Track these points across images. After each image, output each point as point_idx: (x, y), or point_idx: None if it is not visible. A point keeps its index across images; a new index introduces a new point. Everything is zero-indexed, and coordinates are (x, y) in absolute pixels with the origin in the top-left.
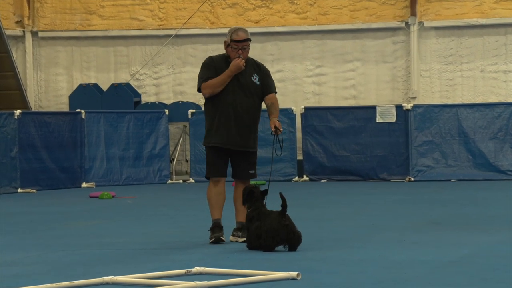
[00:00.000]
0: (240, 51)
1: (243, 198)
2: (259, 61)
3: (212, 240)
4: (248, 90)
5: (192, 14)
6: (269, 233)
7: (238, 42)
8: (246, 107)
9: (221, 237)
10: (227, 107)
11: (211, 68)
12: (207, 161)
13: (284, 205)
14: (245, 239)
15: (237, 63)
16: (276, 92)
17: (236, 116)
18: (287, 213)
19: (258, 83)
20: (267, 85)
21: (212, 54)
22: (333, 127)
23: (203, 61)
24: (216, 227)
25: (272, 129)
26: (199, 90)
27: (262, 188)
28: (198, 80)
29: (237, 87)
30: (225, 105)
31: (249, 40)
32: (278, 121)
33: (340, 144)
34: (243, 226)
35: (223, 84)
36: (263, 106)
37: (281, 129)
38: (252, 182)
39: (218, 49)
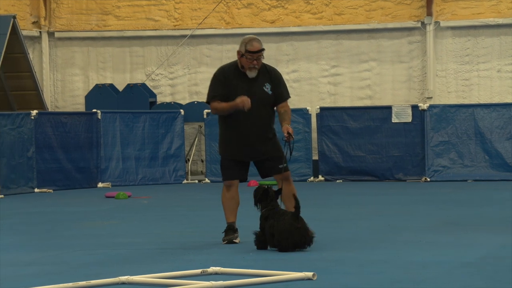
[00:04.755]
0: (255, 62)
1: (256, 198)
2: (270, 65)
3: (225, 242)
4: (260, 101)
5: (208, 15)
6: (282, 234)
7: (252, 53)
8: (258, 118)
9: (234, 240)
10: (237, 119)
11: (221, 83)
12: (221, 166)
13: (297, 207)
14: None
15: (244, 104)
16: (289, 98)
17: (248, 129)
18: (300, 215)
19: (270, 92)
20: (279, 94)
21: (227, 55)
22: (349, 127)
23: (218, 61)
24: (230, 230)
25: (285, 135)
26: (208, 103)
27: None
28: (208, 93)
29: (249, 98)
30: (235, 117)
31: (264, 49)
32: (291, 127)
33: (355, 144)
34: None
35: (228, 112)
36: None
37: (293, 137)
38: (263, 182)
39: (233, 49)
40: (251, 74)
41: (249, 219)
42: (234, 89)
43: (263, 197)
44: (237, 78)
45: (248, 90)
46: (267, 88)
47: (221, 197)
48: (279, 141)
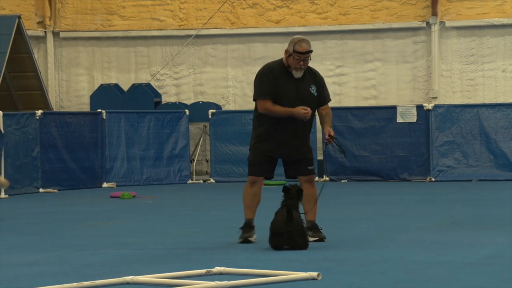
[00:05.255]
0: (302, 62)
1: (284, 194)
2: (313, 68)
3: (240, 240)
4: (307, 102)
5: (213, 15)
6: (273, 232)
7: (300, 53)
8: (303, 122)
9: (249, 238)
10: (283, 121)
11: (269, 81)
12: (249, 161)
13: (290, 209)
14: (317, 238)
15: (303, 115)
16: (330, 100)
17: (291, 131)
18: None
19: (316, 94)
20: (323, 97)
21: (232, 55)
22: (354, 127)
23: (223, 61)
24: (247, 227)
25: (326, 137)
26: (254, 100)
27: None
28: (256, 90)
29: (295, 99)
30: (281, 118)
31: (311, 51)
32: (332, 130)
33: (360, 144)
34: (313, 225)
35: (282, 116)
36: None
37: (334, 139)
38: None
39: (239, 49)
40: (297, 74)
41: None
42: (282, 88)
43: (284, 194)
44: (284, 77)
45: (296, 91)
46: (313, 89)
47: (243, 192)
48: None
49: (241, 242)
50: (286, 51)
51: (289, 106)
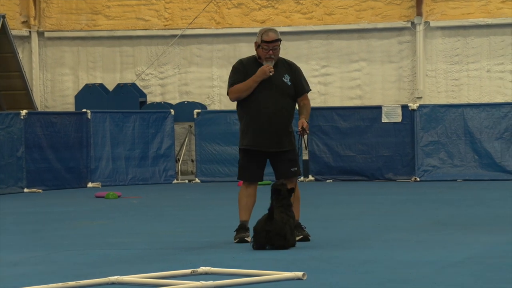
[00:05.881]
0: (271, 52)
1: (271, 195)
2: (290, 60)
3: (236, 240)
4: (279, 91)
5: (198, 14)
6: (254, 233)
7: (268, 42)
8: (277, 109)
9: (246, 238)
10: (257, 109)
11: (240, 72)
12: (239, 164)
13: (271, 209)
14: (301, 236)
15: (264, 69)
16: (309, 90)
17: (267, 118)
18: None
19: (289, 83)
20: (299, 85)
21: (217, 55)
22: (339, 127)
23: (208, 61)
24: (242, 229)
25: (299, 129)
26: (228, 94)
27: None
28: (228, 84)
29: (267, 88)
30: (255, 107)
31: (280, 40)
32: (307, 122)
33: (345, 144)
34: (297, 224)
35: (249, 89)
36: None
37: (307, 131)
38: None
39: (224, 49)
40: (268, 64)
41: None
42: None
43: (276, 196)
44: (255, 68)
45: (267, 80)
46: (286, 79)
47: (239, 194)
48: (295, 141)
49: (237, 242)
50: (255, 43)
51: (260, 96)
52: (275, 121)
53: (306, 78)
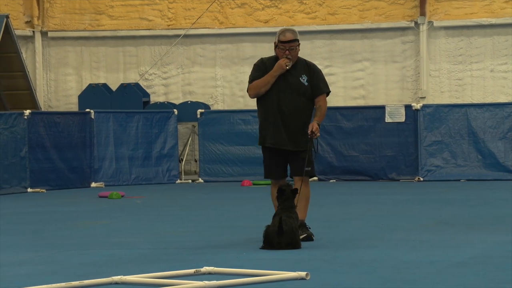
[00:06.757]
0: (287, 52)
1: (277, 196)
2: (311, 61)
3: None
4: (295, 90)
5: (201, 14)
6: (265, 240)
7: (284, 43)
8: (292, 108)
9: None
10: (274, 108)
11: (259, 69)
12: (264, 163)
13: (278, 217)
14: (305, 235)
15: (281, 63)
16: (329, 92)
17: (283, 117)
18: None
19: (306, 83)
20: (316, 86)
21: (221, 55)
22: (342, 127)
23: (212, 61)
24: None
25: (308, 132)
26: (247, 91)
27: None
28: (249, 81)
29: (283, 87)
30: (271, 106)
31: (297, 40)
32: (318, 125)
33: (349, 144)
34: (302, 224)
35: (267, 84)
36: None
37: (317, 134)
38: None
39: (227, 49)
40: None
41: (244, 219)
42: None
43: (280, 196)
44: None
45: (283, 79)
46: (303, 79)
47: (271, 193)
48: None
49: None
50: (274, 43)
51: (276, 95)
52: (290, 120)
53: None
